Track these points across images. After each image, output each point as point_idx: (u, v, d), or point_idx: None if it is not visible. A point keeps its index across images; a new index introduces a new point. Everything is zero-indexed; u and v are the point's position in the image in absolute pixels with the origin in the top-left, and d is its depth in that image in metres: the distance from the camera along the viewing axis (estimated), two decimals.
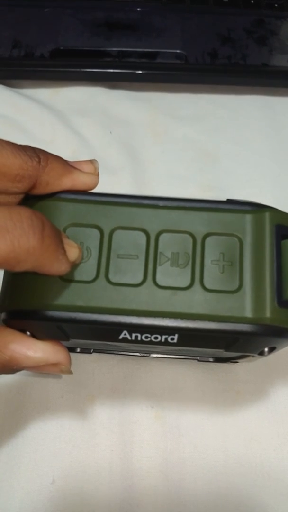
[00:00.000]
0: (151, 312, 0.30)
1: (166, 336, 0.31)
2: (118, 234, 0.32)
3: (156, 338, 0.31)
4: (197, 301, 0.30)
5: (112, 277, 0.31)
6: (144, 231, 0.32)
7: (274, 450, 0.44)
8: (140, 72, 0.63)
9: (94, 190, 0.34)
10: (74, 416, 0.45)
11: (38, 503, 0.41)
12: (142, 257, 0.31)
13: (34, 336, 0.32)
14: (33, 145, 0.32)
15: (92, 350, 0.46)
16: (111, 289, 0.30)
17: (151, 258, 0.31)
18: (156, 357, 0.46)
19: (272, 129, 0.63)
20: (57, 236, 0.28)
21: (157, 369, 0.47)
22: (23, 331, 0.32)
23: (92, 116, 0.62)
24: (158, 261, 0.31)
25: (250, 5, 0.68)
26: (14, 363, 0.31)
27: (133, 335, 0.31)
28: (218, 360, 0.45)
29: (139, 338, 0.31)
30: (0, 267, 0.26)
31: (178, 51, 0.64)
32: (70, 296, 0.30)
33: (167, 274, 0.31)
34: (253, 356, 0.36)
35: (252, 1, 0.68)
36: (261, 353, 0.33)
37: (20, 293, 0.31)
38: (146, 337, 0.31)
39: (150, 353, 0.46)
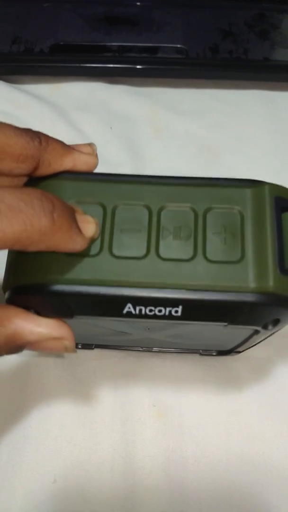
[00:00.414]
0: (155, 284, 0.30)
1: (170, 308, 0.31)
2: (120, 210, 0.32)
3: (160, 311, 0.31)
4: (200, 272, 0.30)
5: (115, 251, 0.31)
6: (146, 207, 0.32)
7: (277, 448, 0.44)
8: (140, 67, 0.62)
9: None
10: (75, 415, 0.44)
11: (39, 502, 0.41)
12: (145, 232, 0.31)
13: (38, 313, 0.32)
14: None
15: (94, 346, 0.45)
16: (115, 262, 0.31)
17: (154, 232, 0.31)
18: (158, 351, 0.46)
19: (274, 124, 0.62)
20: (70, 215, 0.28)
21: (159, 367, 0.46)
22: (27, 308, 0.32)
23: (92, 111, 0.62)
24: (160, 235, 0.31)
25: None
26: (17, 338, 0.31)
27: (137, 308, 0.31)
28: (221, 353, 0.45)
29: (143, 312, 0.31)
30: (14, 247, 0.27)
31: (179, 45, 0.63)
32: (75, 270, 0.30)
33: (170, 247, 0.31)
34: (257, 333, 0.36)
35: None
36: (265, 327, 0.33)
37: (23, 269, 0.31)
38: (150, 310, 0.31)
39: (152, 348, 0.45)
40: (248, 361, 0.47)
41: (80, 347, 0.45)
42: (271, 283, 0.30)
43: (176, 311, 0.31)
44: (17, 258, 0.31)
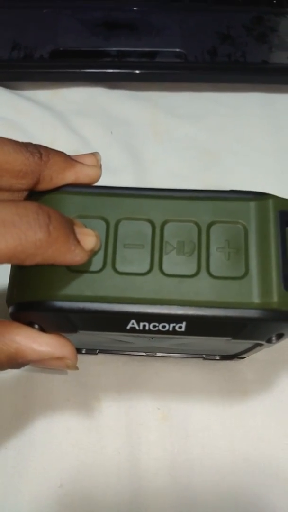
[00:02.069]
0: (159, 300, 0.30)
1: (174, 324, 0.31)
2: (123, 225, 0.32)
3: (164, 327, 0.31)
4: (204, 288, 0.30)
5: (119, 267, 0.31)
6: (150, 221, 0.32)
7: (282, 449, 0.44)
8: (139, 71, 0.63)
9: (97, 184, 0.34)
10: (80, 419, 0.45)
11: (46, 507, 0.41)
12: (148, 247, 0.31)
13: (42, 329, 0.32)
14: None
15: (97, 350, 0.46)
16: (118, 278, 0.31)
17: (157, 247, 0.31)
18: (161, 356, 0.46)
19: (274, 126, 0.62)
20: (67, 227, 0.28)
21: (163, 370, 0.47)
22: (30, 324, 0.32)
23: (92, 116, 0.62)
24: (164, 250, 0.31)
25: (249, 2, 0.68)
26: (19, 356, 0.31)
27: (141, 324, 0.31)
28: (224, 357, 0.45)
29: (147, 328, 0.31)
30: (10, 262, 0.27)
31: (177, 49, 0.64)
32: (78, 286, 0.30)
33: (173, 263, 0.31)
34: (260, 346, 0.36)
35: None
36: (269, 341, 0.33)
37: (27, 285, 0.31)
38: (154, 326, 0.31)
39: (155, 352, 0.46)
40: (252, 364, 0.47)
41: (84, 352, 0.45)
42: (275, 299, 0.30)
43: (180, 327, 0.31)
44: (20, 273, 0.31)
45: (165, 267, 0.31)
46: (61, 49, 0.63)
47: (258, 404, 0.46)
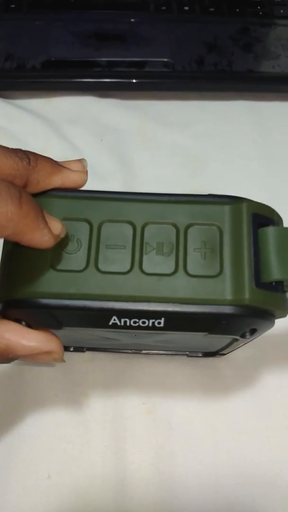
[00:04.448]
0: (138, 297, 0.32)
1: (153, 320, 0.32)
2: (106, 227, 0.33)
3: (144, 322, 0.32)
4: (181, 286, 0.32)
5: (101, 266, 0.32)
6: (131, 223, 0.33)
7: (262, 442, 0.45)
8: (129, 81, 0.64)
9: (85, 188, 0.35)
10: (68, 414, 0.46)
11: (34, 498, 0.43)
12: (129, 247, 0.33)
13: (29, 325, 0.34)
14: None
15: (85, 348, 0.47)
16: (100, 277, 0.32)
17: (138, 248, 0.33)
18: (147, 353, 0.48)
19: (259, 134, 0.64)
20: (37, 206, 0.30)
21: (148, 367, 0.48)
22: (18, 321, 0.33)
23: (83, 124, 0.64)
24: (144, 250, 0.33)
25: (235, 13, 0.70)
26: (9, 352, 0.32)
27: (122, 320, 0.32)
28: (207, 354, 0.47)
29: (128, 323, 0.32)
30: None
31: (165, 59, 0.66)
32: (62, 284, 0.32)
33: (152, 262, 0.32)
34: (236, 341, 0.38)
35: (238, 10, 0.70)
36: (243, 336, 0.35)
37: (13, 284, 0.32)
38: (135, 322, 0.32)
39: (141, 350, 0.47)
40: (233, 361, 0.49)
41: (72, 350, 0.47)
42: (247, 295, 0.31)
43: (159, 323, 0.32)
44: (6, 272, 0.33)
45: (145, 267, 0.32)
46: (53, 59, 0.65)
47: (240, 399, 0.47)
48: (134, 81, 0.65)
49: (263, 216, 0.34)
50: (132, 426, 0.46)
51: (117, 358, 0.48)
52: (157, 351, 0.48)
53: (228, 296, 0.31)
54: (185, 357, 0.48)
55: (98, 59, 0.66)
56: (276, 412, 0.47)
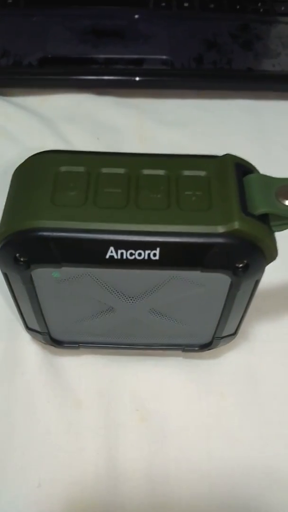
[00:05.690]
0: (134, 227, 0.34)
1: (149, 251, 0.34)
2: (103, 173, 0.36)
3: (140, 254, 0.34)
4: (174, 217, 0.34)
5: (98, 203, 0.35)
6: (126, 171, 0.36)
7: (258, 450, 0.44)
8: (127, 78, 0.64)
9: None
10: (60, 420, 0.45)
11: (24, 507, 0.42)
12: (126, 189, 0.35)
13: (28, 264, 0.35)
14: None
15: (79, 345, 0.46)
16: (98, 210, 0.34)
17: (133, 189, 0.35)
18: (143, 348, 0.47)
19: (259, 132, 0.63)
20: None
21: (142, 373, 0.47)
22: (17, 260, 0.35)
23: (80, 122, 0.63)
24: (138, 191, 0.35)
25: (235, 10, 0.69)
26: None
27: (119, 252, 0.34)
28: (203, 346, 0.46)
29: (124, 256, 0.34)
30: None
31: (164, 57, 0.65)
32: (62, 217, 0.34)
33: (147, 200, 0.35)
34: (232, 294, 0.38)
35: (238, 6, 0.69)
36: (236, 273, 0.36)
37: (16, 218, 0.35)
38: (131, 254, 0.34)
39: (137, 344, 0.46)
40: (229, 366, 0.48)
41: (65, 345, 0.46)
42: (236, 221, 0.33)
43: (155, 254, 0.34)
44: (11, 209, 0.35)
45: (140, 203, 0.35)
46: (49, 56, 0.64)
47: (235, 406, 0.46)
48: (132, 78, 0.64)
49: (245, 166, 0.37)
50: (125, 434, 0.45)
51: (110, 363, 0.48)
52: (152, 344, 0.47)
53: (219, 223, 0.34)
54: (180, 360, 0.48)
55: (95, 56, 0.65)
56: (272, 420, 0.46)
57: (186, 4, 0.69)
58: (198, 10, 0.69)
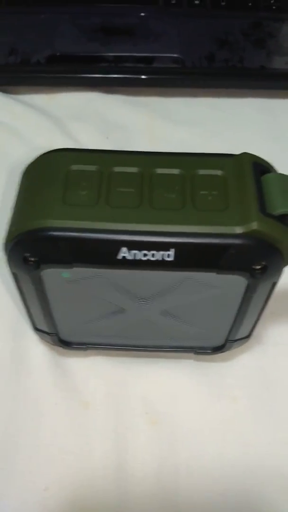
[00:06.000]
0: (148, 226, 0.33)
1: (163, 252, 0.33)
2: (115, 172, 0.35)
3: (153, 255, 0.33)
4: (189, 217, 0.33)
5: (111, 202, 0.34)
6: (139, 170, 0.35)
7: (271, 455, 0.43)
8: (136, 77, 0.63)
9: None
10: (68, 423, 0.44)
11: (31, 510, 0.41)
12: (139, 189, 0.34)
13: (38, 264, 0.34)
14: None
15: (86, 346, 0.45)
16: (111, 210, 0.33)
17: (146, 188, 0.34)
18: (153, 350, 0.46)
19: (271, 131, 0.62)
20: None
21: (151, 374, 0.46)
22: (26, 260, 0.34)
23: (88, 121, 0.63)
24: (153, 190, 0.34)
25: (247, 8, 0.68)
26: None
27: (132, 252, 0.33)
28: (216, 349, 0.45)
29: (137, 257, 0.33)
30: None
31: (175, 55, 0.64)
32: (74, 217, 0.33)
33: (162, 199, 0.34)
34: (248, 296, 0.37)
35: (250, 4, 0.68)
36: (253, 275, 0.34)
37: (26, 218, 0.34)
38: (145, 255, 0.33)
39: (147, 347, 0.46)
40: (241, 369, 0.47)
41: (74, 347, 0.45)
42: (254, 222, 0.32)
43: (169, 255, 0.33)
44: (21, 208, 0.35)
45: (155, 203, 0.34)
46: (58, 54, 0.64)
47: (247, 409, 0.45)
48: (142, 77, 0.63)
49: (262, 165, 0.36)
50: (135, 437, 0.44)
51: (119, 365, 0.47)
52: (163, 347, 0.46)
53: (236, 223, 0.33)
54: (191, 362, 0.47)
55: (105, 54, 0.64)
56: (286, 423, 0.45)
57: (197, 2, 0.68)
58: (209, 8, 0.68)
